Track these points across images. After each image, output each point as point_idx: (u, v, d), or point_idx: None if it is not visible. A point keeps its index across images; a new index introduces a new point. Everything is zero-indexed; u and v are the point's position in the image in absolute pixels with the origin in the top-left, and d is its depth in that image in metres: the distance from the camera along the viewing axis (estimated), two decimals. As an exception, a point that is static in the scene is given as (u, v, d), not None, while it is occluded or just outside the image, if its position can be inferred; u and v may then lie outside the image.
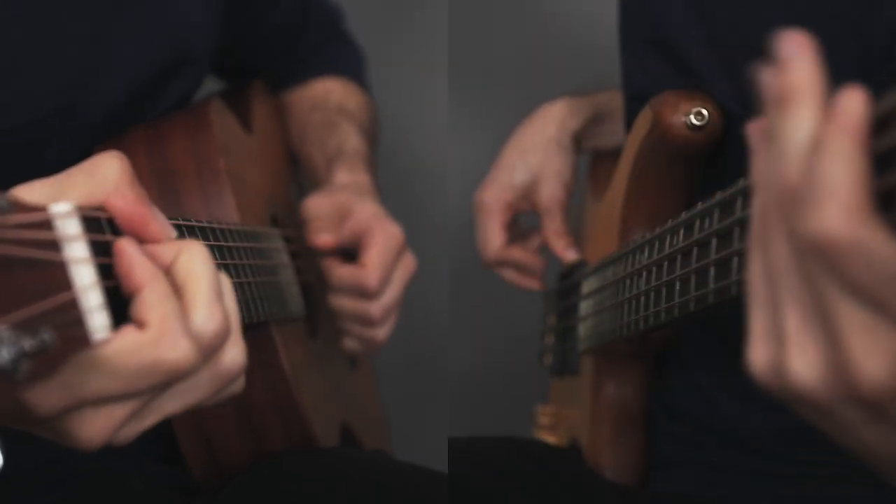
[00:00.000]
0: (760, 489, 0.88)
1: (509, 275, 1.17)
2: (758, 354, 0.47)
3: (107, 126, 0.89)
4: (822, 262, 0.42)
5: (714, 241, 0.64)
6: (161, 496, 0.94)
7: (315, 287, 1.07)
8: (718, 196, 0.63)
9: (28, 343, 0.43)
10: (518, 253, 1.14)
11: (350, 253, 1.05)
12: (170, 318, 0.52)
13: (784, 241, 0.45)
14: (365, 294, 1.02)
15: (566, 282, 1.10)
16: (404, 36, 1.66)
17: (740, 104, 0.78)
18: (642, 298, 0.79)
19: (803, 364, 0.44)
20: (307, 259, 1.06)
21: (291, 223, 1.11)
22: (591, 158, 1.16)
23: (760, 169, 0.47)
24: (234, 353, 0.58)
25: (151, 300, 0.52)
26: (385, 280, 1.02)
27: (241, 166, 0.96)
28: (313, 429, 0.93)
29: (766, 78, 0.46)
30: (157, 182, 0.86)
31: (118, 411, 0.52)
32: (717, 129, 0.80)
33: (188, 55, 0.95)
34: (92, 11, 0.85)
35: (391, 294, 1.04)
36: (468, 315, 1.66)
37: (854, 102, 0.42)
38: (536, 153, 1.12)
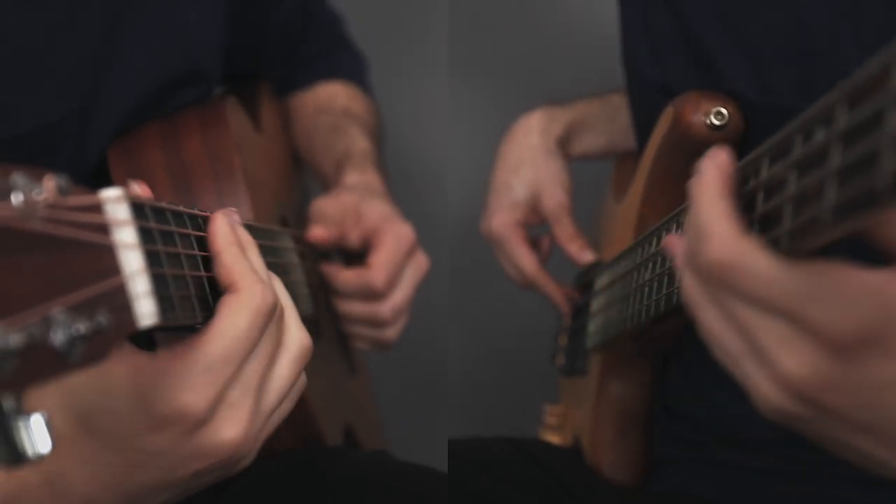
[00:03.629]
0: (760, 488, 0.89)
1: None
2: (755, 400, 0.54)
3: (120, 131, 0.89)
4: (722, 286, 0.52)
5: None
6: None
7: (318, 289, 1.07)
8: None
9: (84, 325, 0.43)
10: (551, 286, 1.12)
11: (361, 255, 1.05)
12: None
13: (705, 303, 0.55)
14: (372, 295, 1.02)
15: (581, 281, 1.10)
16: (404, 36, 1.66)
17: (761, 95, 0.78)
18: (646, 288, 0.80)
19: (766, 390, 0.52)
20: (312, 261, 1.06)
21: (298, 224, 1.11)
22: (615, 162, 1.17)
23: (681, 259, 0.58)
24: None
25: None
26: (392, 280, 1.03)
27: (253, 165, 0.96)
28: (321, 428, 0.93)
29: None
30: (172, 178, 0.86)
31: (245, 398, 0.58)
32: (737, 130, 0.80)
33: (197, 64, 0.96)
34: (102, 20, 0.86)
35: (401, 294, 1.04)
36: (468, 315, 1.66)
37: (715, 161, 0.57)
38: (528, 166, 1.12)
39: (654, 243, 0.80)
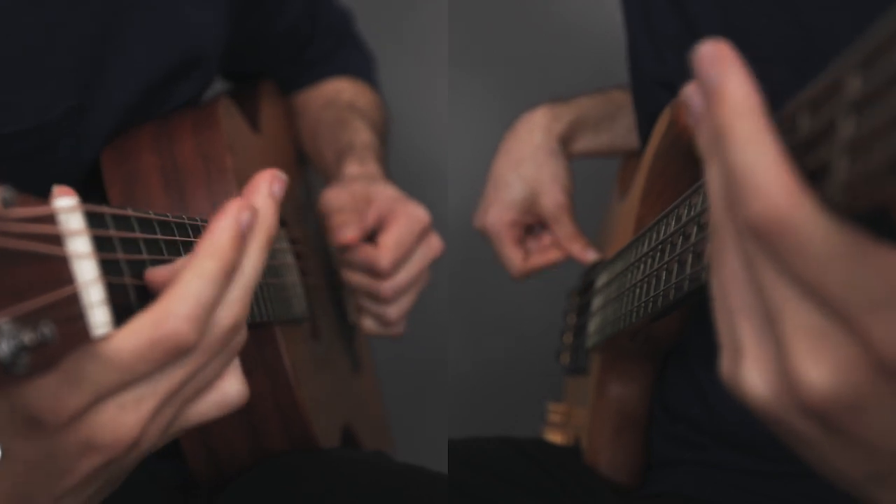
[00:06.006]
0: (760, 489, 0.88)
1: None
2: (723, 366, 0.44)
3: (117, 127, 0.90)
4: (761, 247, 0.40)
5: (695, 230, 0.65)
6: (160, 492, 0.94)
7: (318, 289, 1.07)
8: (700, 182, 0.64)
9: (28, 336, 0.44)
10: (539, 260, 1.14)
11: (370, 236, 1.05)
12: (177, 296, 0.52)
13: (731, 243, 0.43)
14: (376, 274, 1.02)
15: (585, 279, 1.12)
16: (405, 34, 1.66)
17: (761, 95, 0.77)
18: (637, 289, 0.81)
19: (756, 375, 0.42)
20: (311, 261, 1.06)
21: (298, 223, 1.11)
22: (621, 160, 1.16)
23: (716, 213, 0.45)
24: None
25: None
26: (398, 261, 1.03)
27: (249, 165, 0.96)
28: (313, 430, 0.93)
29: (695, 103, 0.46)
30: (164, 180, 0.87)
31: (144, 404, 0.52)
32: None
33: (197, 57, 0.96)
34: (101, 15, 0.86)
35: (405, 274, 1.04)
36: (468, 315, 1.66)
37: (738, 77, 0.42)
38: (529, 164, 1.12)
39: (646, 244, 0.80)
